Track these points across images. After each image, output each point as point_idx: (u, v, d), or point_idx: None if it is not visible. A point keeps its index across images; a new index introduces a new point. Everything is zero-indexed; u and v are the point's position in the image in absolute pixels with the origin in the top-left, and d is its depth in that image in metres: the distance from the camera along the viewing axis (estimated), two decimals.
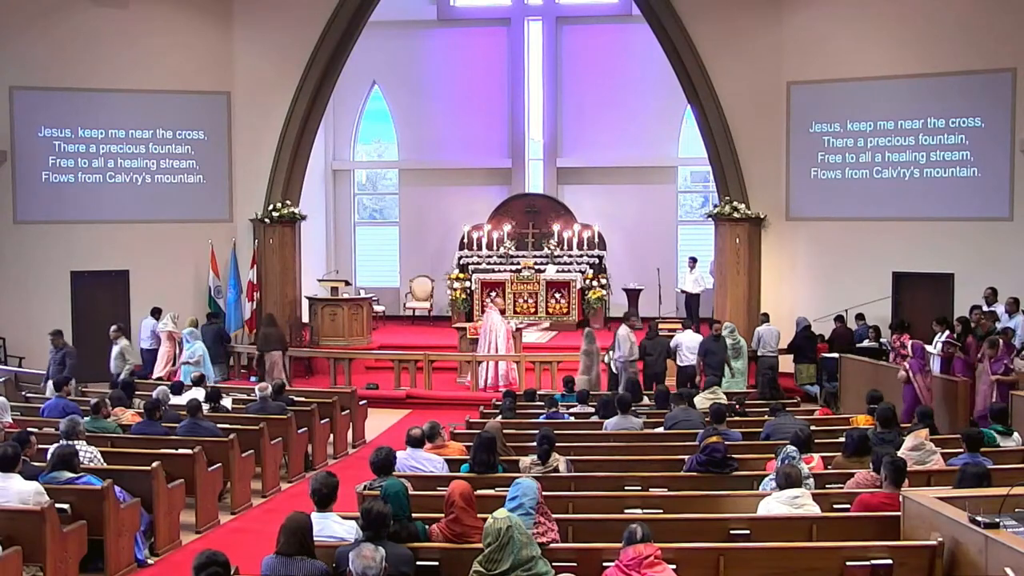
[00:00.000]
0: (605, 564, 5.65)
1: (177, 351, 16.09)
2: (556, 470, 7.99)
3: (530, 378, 15.36)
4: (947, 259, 15.32)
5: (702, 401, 11.01)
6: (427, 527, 6.13)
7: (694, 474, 7.94)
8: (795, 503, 6.67)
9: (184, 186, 17.59)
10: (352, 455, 12.67)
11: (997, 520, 5.42)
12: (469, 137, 22.23)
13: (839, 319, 15.42)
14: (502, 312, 16.86)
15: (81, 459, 8.19)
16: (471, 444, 8.13)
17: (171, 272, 17.15)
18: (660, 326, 15.49)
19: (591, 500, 7.46)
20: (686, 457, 8.28)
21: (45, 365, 15.31)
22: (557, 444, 8.32)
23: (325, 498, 6.09)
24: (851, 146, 16.22)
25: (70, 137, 16.99)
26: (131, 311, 17.10)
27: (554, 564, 5.64)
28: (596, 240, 20.81)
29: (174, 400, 11.38)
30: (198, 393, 11.69)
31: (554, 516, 6.24)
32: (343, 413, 12.83)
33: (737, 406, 11.27)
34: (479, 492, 6.56)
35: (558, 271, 20.10)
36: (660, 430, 10.09)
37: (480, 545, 5.71)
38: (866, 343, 14.74)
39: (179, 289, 17.16)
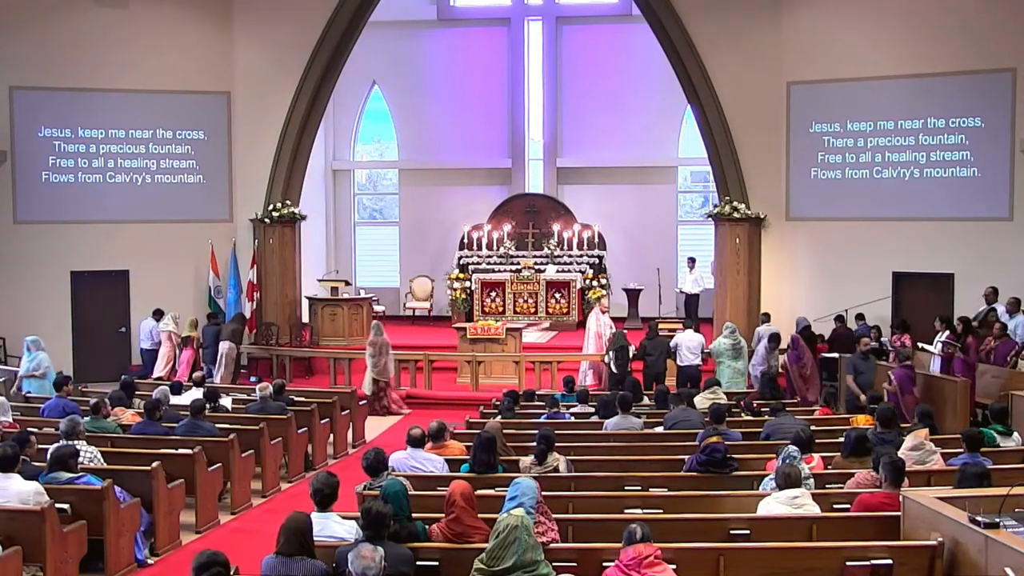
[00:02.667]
0: (605, 564, 5.65)
1: (177, 352, 16.14)
2: (556, 470, 7.99)
3: (530, 378, 15.38)
4: (947, 259, 15.32)
5: (703, 401, 11.01)
6: (427, 527, 6.14)
7: (694, 474, 7.94)
8: (795, 503, 6.67)
9: (184, 186, 17.59)
10: (352, 455, 12.65)
11: (997, 520, 5.42)
12: (469, 137, 22.24)
13: (839, 319, 15.40)
14: (604, 312, 16.05)
15: (81, 459, 8.20)
16: (471, 444, 8.14)
17: (171, 272, 17.15)
18: (660, 326, 15.47)
19: (591, 500, 7.46)
20: (686, 457, 8.29)
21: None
22: (557, 444, 8.32)
23: (326, 498, 6.10)
24: (851, 146, 16.22)
25: (70, 137, 16.99)
26: (131, 311, 17.14)
27: (554, 564, 5.64)
28: (596, 240, 20.79)
29: (174, 400, 11.39)
30: (198, 393, 11.69)
31: (554, 516, 6.24)
32: (343, 413, 12.83)
33: (742, 403, 11.27)
34: (479, 492, 6.57)
35: (558, 271, 20.09)
36: (660, 430, 10.09)
37: (480, 545, 5.72)
38: None
39: (179, 289, 17.16)
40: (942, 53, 15.25)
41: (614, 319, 19.85)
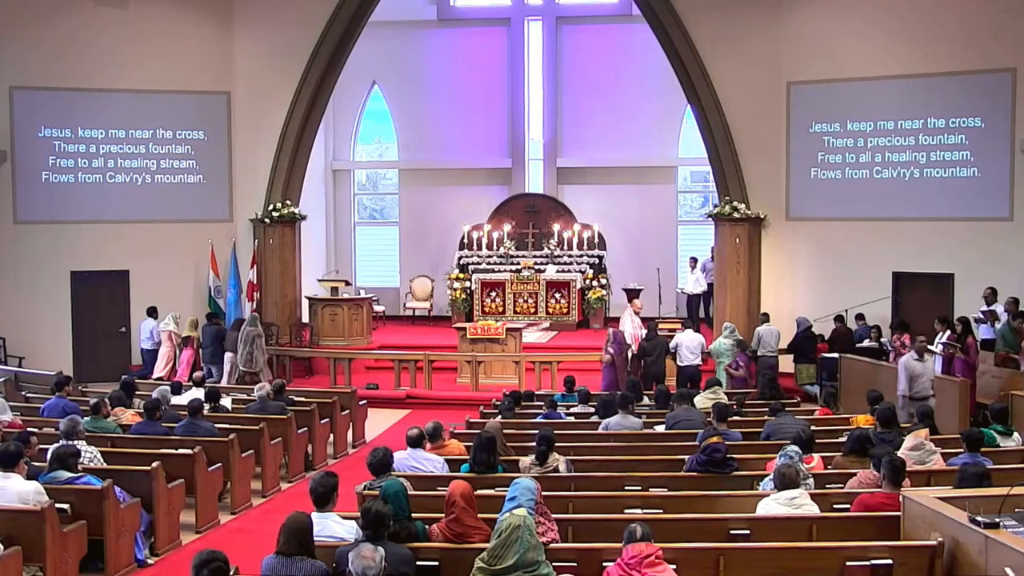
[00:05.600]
0: (605, 564, 5.66)
1: (177, 352, 16.14)
2: (556, 470, 7.99)
3: (530, 378, 15.38)
4: (947, 259, 15.32)
5: (703, 401, 11.01)
6: (427, 527, 6.14)
7: (694, 474, 7.94)
8: (793, 503, 6.67)
9: (184, 186, 17.59)
10: (352, 455, 12.67)
11: (997, 520, 5.42)
12: (469, 137, 22.23)
13: (839, 319, 15.42)
14: (637, 313, 15.54)
15: (81, 459, 8.20)
16: (471, 444, 8.13)
17: (171, 272, 17.16)
18: (660, 326, 15.47)
19: (591, 500, 7.46)
20: (686, 457, 8.28)
21: (46, 365, 15.38)
22: (557, 444, 8.32)
23: (323, 497, 6.09)
24: (851, 146, 16.22)
25: (70, 137, 16.99)
26: (131, 311, 17.14)
27: (554, 564, 5.65)
28: (596, 240, 20.79)
29: (174, 400, 11.39)
30: (198, 393, 11.69)
31: (554, 516, 6.25)
32: (343, 413, 12.83)
33: (734, 406, 11.25)
34: (479, 492, 6.57)
35: (558, 271, 20.09)
36: (660, 430, 10.08)
37: (480, 545, 5.73)
38: (866, 343, 14.76)
39: (179, 289, 17.17)
40: (942, 53, 15.24)
41: (613, 319, 19.95)
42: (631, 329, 15.06)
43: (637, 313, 15.62)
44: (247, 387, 13.84)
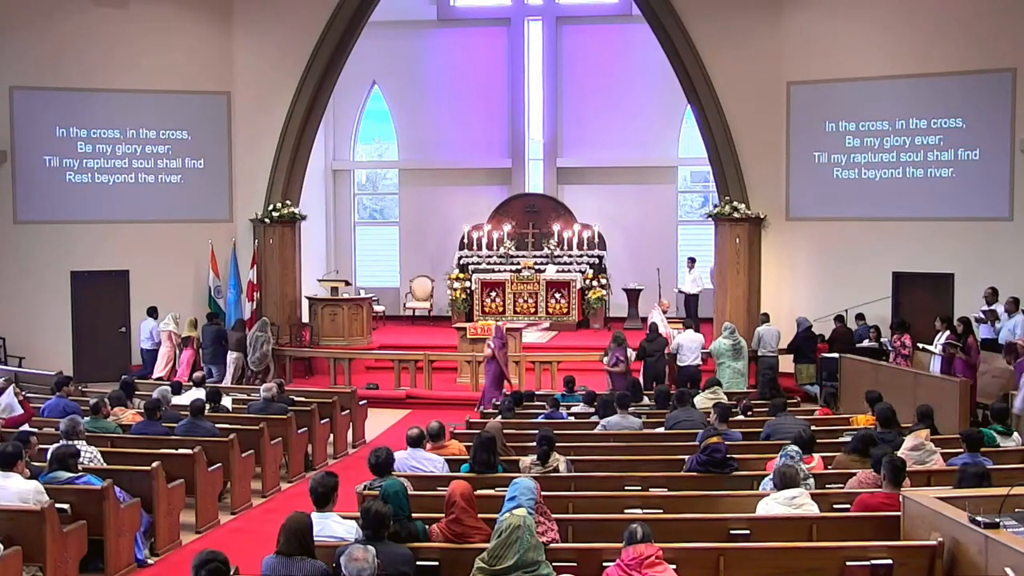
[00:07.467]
0: (605, 564, 5.66)
1: (177, 352, 16.14)
2: (556, 470, 7.99)
3: (530, 378, 15.38)
4: (947, 259, 15.31)
5: (703, 401, 11.01)
6: (427, 527, 6.14)
7: (694, 474, 7.94)
8: (793, 503, 6.67)
9: (184, 186, 17.58)
10: (352, 455, 12.67)
11: (997, 520, 5.42)
12: (469, 137, 22.24)
13: (839, 319, 15.41)
14: (665, 311, 15.93)
15: (81, 459, 8.20)
16: (471, 444, 8.13)
17: (171, 272, 17.15)
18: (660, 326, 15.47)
19: (591, 500, 7.46)
20: (686, 457, 8.29)
21: (46, 365, 15.37)
22: (557, 444, 8.32)
23: (323, 497, 6.10)
24: (851, 146, 16.20)
25: (70, 137, 16.97)
26: (131, 311, 17.13)
27: (554, 564, 5.65)
28: (596, 240, 20.80)
29: (174, 400, 11.39)
30: (200, 393, 11.69)
31: (554, 516, 6.25)
32: (343, 413, 12.83)
33: (743, 404, 11.25)
34: (479, 492, 6.57)
35: (558, 271, 20.09)
36: (660, 430, 10.09)
37: (480, 545, 5.73)
38: (866, 343, 14.75)
39: (179, 289, 17.16)
40: (942, 53, 15.23)
41: (613, 319, 20.01)
42: (663, 328, 15.15)
43: (665, 311, 15.79)
44: (247, 387, 13.85)
